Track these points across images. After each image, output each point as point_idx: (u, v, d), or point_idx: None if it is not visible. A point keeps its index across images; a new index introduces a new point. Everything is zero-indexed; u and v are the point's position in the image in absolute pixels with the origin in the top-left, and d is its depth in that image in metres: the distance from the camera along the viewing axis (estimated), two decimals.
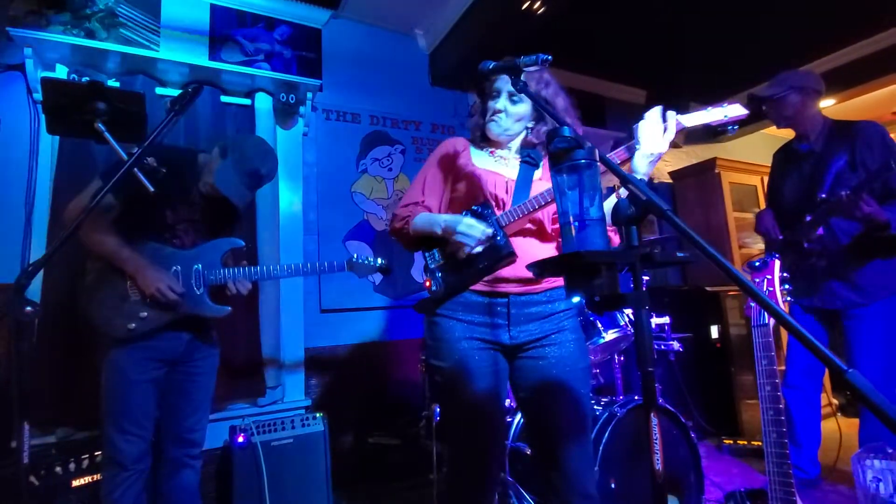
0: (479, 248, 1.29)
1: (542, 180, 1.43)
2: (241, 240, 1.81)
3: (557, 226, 1.48)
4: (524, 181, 1.41)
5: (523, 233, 1.38)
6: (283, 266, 1.82)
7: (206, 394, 1.81)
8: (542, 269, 0.88)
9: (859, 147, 2.08)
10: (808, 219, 2.11)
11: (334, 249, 2.89)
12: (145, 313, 1.60)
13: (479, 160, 1.46)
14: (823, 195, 2.06)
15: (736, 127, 1.33)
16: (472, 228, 1.27)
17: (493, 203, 1.37)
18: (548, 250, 1.40)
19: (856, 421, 2.19)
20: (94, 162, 2.21)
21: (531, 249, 1.36)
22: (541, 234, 1.41)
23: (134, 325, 1.58)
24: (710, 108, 1.28)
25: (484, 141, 1.51)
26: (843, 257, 2.12)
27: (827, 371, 3.74)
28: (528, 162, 1.44)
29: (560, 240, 1.47)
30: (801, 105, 2.20)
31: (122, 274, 1.59)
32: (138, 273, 1.58)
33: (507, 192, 1.39)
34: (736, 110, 1.26)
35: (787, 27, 3.35)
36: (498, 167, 1.45)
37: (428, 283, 1.36)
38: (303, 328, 2.72)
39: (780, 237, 2.25)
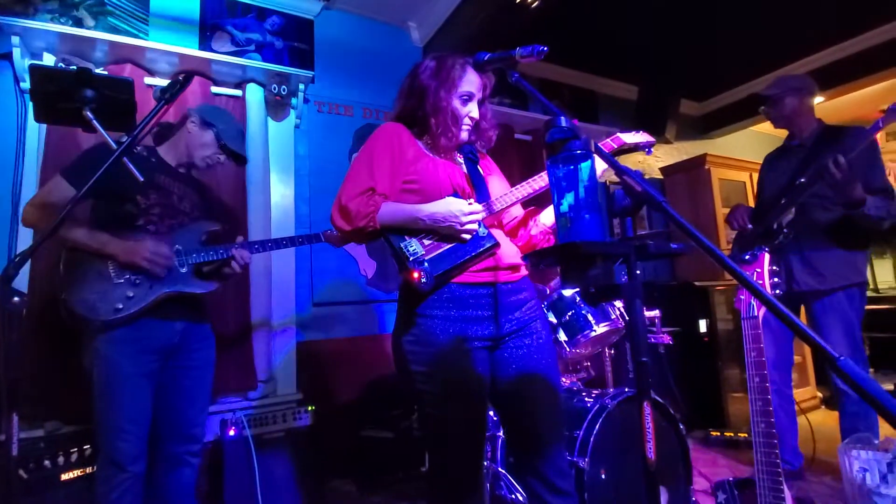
0: (484, 230, 1.26)
1: (491, 175, 1.46)
2: (217, 222, 1.83)
3: (512, 222, 1.51)
4: (476, 174, 1.41)
5: (490, 225, 1.35)
6: (262, 241, 1.88)
7: (205, 387, 1.78)
8: (538, 259, 0.88)
9: (848, 147, 2.13)
10: (783, 201, 2.20)
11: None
12: (131, 293, 1.54)
13: (431, 152, 1.41)
14: (803, 180, 2.14)
15: (650, 150, 1.49)
16: (474, 209, 1.24)
17: (461, 195, 1.31)
18: (508, 242, 1.39)
19: (836, 413, 2.24)
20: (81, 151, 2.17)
21: (501, 238, 1.35)
22: (500, 226, 1.43)
23: (121, 305, 1.51)
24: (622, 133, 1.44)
25: (427, 135, 1.41)
26: (808, 241, 2.24)
27: (811, 365, 3.83)
28: (471, 159, 1.45)
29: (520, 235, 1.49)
30: (797, 105, 2.35)
31: (101, 257, 1.54)
32: (121, 251, 1.53)
33: (469, 184, 1.37)
34: (640, 137, 1.44)
35: (775, 26, 3.39)
36: (449, 159, 1.42)
37: (418, 275, 1.18)
38: (295, 321, 2.71)
39: (750, 226, 2.33)
